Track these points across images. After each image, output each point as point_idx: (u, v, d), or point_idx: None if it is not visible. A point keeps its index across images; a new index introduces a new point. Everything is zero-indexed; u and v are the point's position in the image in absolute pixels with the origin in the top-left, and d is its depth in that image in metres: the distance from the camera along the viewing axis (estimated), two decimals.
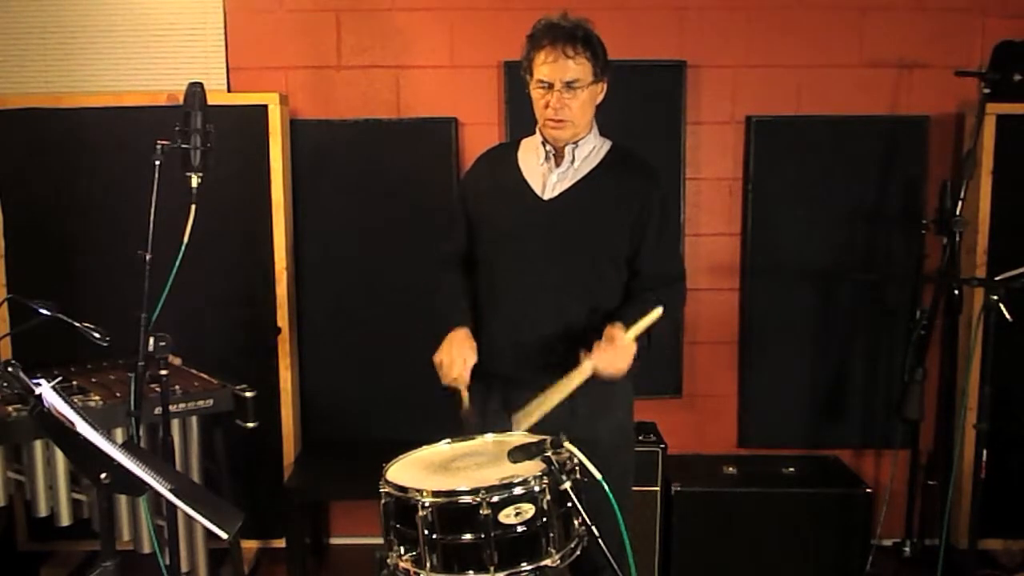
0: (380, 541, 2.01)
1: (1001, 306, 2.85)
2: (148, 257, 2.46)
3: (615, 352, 2.20)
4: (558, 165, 2.38)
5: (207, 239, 2.71)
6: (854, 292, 3.60)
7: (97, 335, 2.49)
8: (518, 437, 2.13)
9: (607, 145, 2.45)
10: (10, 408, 2.63)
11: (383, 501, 1.96)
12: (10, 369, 1.90)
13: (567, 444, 1.87)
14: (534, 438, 2.00)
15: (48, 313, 2.50)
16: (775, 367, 3.64)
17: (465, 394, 2.31)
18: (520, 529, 1.86)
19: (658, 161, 3.49)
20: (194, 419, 2.88)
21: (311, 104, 3.57)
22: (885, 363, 3.62)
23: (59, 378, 2.38)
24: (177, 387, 2.80)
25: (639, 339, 2.25)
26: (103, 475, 1.77)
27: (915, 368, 3.16)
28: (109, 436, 1.80)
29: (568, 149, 2.37)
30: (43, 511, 2.71)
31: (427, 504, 1.86)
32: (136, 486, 1.79)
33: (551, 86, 2.29)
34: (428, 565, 1.88)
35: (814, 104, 3.56)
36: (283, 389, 3.48)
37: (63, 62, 3.55)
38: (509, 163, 2.44)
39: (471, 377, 2.34)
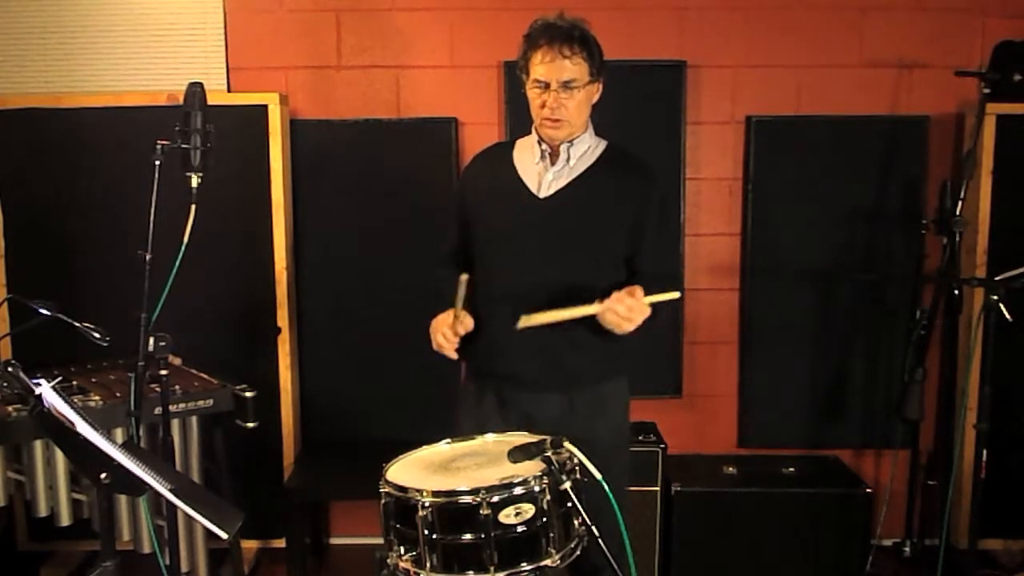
0: (380, 541, 2.01)
1: (1001, 306, 2.85)
2: (148, 257, 2.46)
3: (631, 305, 2.18)
4: (554, 164, 2.39)
5: (207, 239, 2.71)
6: (854, 292, 3.60)
7: (97, 335, 2.49)
8: (518, 437, 2.13)
9: (602, 144, 2.46)
10: (10, 408, 2.63)
11: (383, 501, 1.96)
12: (10, 369, 1.90)
13: (567, 444, 1.87)
14: (534, 438, 2.01)
15: (48, 313, 2.50)
16: (775, 367, 3.64)
17: (458, 326, 2.30)
18: (520, 529, 1.86)
19: (658, 161, 3.51)
20: (194, 419, 2.88)
21: (311, 104, 3.57)
22: (885, 363, 3.62)
23: (59, 378, 2.38)
24: (177, 387, 2.80)
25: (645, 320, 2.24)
26: (103, 475, 1.77)
27: (915, 368, 3.16)
28: (109, 436, 1.80)
29: (564, 148, 2.38)
30: (43, 511, 2.72)
31: (427, 504, 1.86)
32: (136, 486, 1.79)
33: (547, 86, 2.30)
34: (428, 565, 1.88)
35: (814, 104, 3.56)
36: (283, 389, 3.49)
37: (63, 62, 3.55)
38: (505, 162, 2.45)
39: (469, 377, 2.35)
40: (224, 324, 3.47)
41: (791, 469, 3.44)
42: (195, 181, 2.53)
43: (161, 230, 2.47)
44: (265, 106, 3.38)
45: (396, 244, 3.55)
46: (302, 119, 3.55)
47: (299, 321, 3.61)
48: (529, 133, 2.45)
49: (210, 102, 2.56)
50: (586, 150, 2.41)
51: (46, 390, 1.76)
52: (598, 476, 1.85)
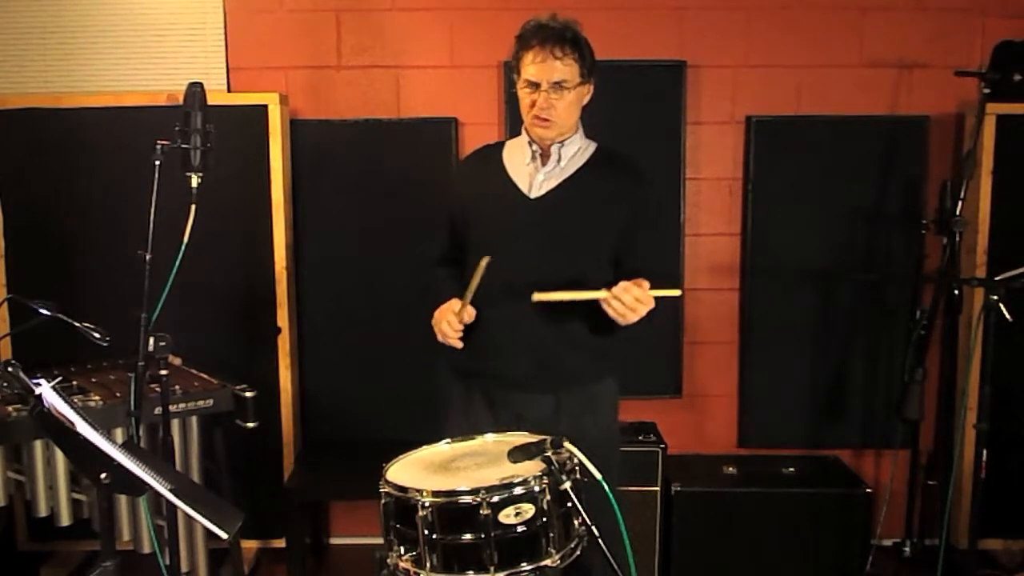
0: (380, 541, 2.01)
1: (1001, 306, 2.85)
2: (148, 257, 2.46)
3: (637, 295, 2.19)
4: (544, 164, 2.39)
5: (207, 239, 2.71)
6: (854, 292, 3.60)
7: (97, 335, 2.49)
8: (518, 437, 2.13)
9: (592, 146, 2.46)
10: (10, 408, 2.63)
11: (383, 501, 1.96)
12: (10, 369, 1.90)
13: (567, 444, 1.87)
14: (534, 438, 2.01)
15: (48, 313, 2.50)
16: (775, 367, 3.64)
17: (463, 315, 2.30)
18: (520, 529, 1.86)
19: (658, 161, 3.53)
20: (194, 419, 2.88)
21: (311, 104, 3.57)
22: (885, 363, 3.62)
23: (59, 378, 2.38)
24: (177, 387, 2.80)
25: (640, 321, 2.25)
26: (103, 475, 1.77)
27: (915, 368, 3.16)
28: (109, 436, 1.80)
29: (554, 148, 2.38)
30: (43, 511, 2.71)
31: (427, 504, 1.86)
32: (136, 486, 1.79)
33: (538, 86, 2.30)
34: (428, 565, 1.88)
35: (814, 104, 3.56)
36: (283, 389, 3.49)
37: (63, 62, 3.55)
38: (495, 163, 2.45)
39: (458, 378, 2.37)
40: (224, 324, 3.47)
41: (791, 469, 3.44)
42: (195, 181, 2.53)
43: (161, 230, 2.47)
44: (265, 106, 3.38)
45: (396, 244, 3.55)
46: (302, 119, 3.55)
47: (299, 321, 3.61)
48: (519, 134, 2.45)
49: (210, 102, 2.56)
50: (576, 151, 2.41)
51: (46, 390, 1.76)
52: (598, 476, 1.85)
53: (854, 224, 3.57)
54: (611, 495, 1.81)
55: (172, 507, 2.51)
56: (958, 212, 3.11)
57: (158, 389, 2.57)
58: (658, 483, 3.25)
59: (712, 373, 3.70)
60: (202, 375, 3.00)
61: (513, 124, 3.47)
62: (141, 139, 2.64)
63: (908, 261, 3.47)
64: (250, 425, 2.88)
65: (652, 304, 2.23)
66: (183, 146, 2.51)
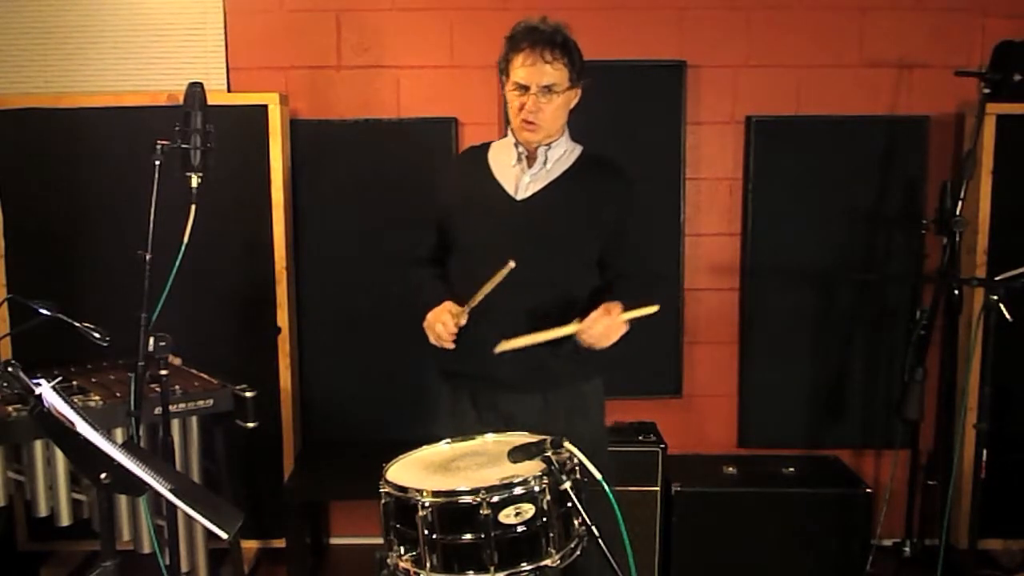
0: (380, 541, 2.01)
1: (1001, 306, 2.85)
2: (148, 257, 2.46)
3: (607, 324, 2.23)
4: (531, 166, 2.39)
5: (207, 239, 2.70)
6: (854, 292, 3.60)
7: (97, 335, 2.49)
8: (518, 437, 2.13)
9: (578, 149, 2.47)
10: (10, 408, 2.62)
11: (383, 501, 1.96)
12: (10, 369, 1.90)
13: (567, 444, 1.87)
14: (534, 438, 2.01)
15: (48, 313, 2.50)
16: (775, 367, 3.64)
17: (460, 319, 2.30)
18: (520, 529, 1.86)
19: (658, 161, 3.53)
20: (194, 419, 2.88)
21: (311, 104, 3.57)
22: (885, 363, 3.62)
23: (59, 378, 2.38)
24: (177, 387, 2.80)
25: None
26: (103, 475, 1.77)
27: (915, 368, 3.16)
28: (109, 436, 1.80)
29: (541, 151, 2.39)
30: (43, 511, 2.71)
31: (427, 504, 1.86)
32: (136, 486, 1.79)
33: (527, 89, 2.30)
34: (428, 565, 1.88)
35: (814, 104, 3.56)
36: (283, 389, 3.48)
37: (63, 62, 3.55)
38: (481, 164, 2.45)
39: (445, 376, 2.39)
40: (224, 324, 3.47)
41: (791, 469, 3.44)
42: (195, 181, 2.53)
43: (161, 230, 2.47)
44: (265, 106, 3.38)
45: (396, 244, 3.54)
46: (302, 119, 3.55)
47: (299, 321, 3.61)
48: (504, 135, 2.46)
49: (210, 102, 2.56)
50: (563, 154, 2.42)
51: (46, 390, 1.76)
52: (598, 476, 1.86)
53: (854, 224, 3.57)
54: (611, 495, 1.81)
55: (172, 507, 2.51)
56: (958, 212, 3.11)
57: (158, 389, 2.57)
58: (658, 483, 3.25)
59: (712, 373, 3.70)
60: (202, 375, 3.00)
61: None
62: (141, 139, 2.64)
63: (908, 261, 3.48)
64: (250, 425, 2.88)
65: (624, 329, 2.26)
66: (183, 146, 2.50)
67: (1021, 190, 3.42)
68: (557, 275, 2.34)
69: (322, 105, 3.57)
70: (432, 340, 2.36)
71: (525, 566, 1.86)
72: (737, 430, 3.72)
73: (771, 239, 3.59)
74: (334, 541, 3.77)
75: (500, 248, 2.31)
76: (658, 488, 3.25)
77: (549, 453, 1.86)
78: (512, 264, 2.18)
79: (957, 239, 3.18)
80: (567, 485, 1.86)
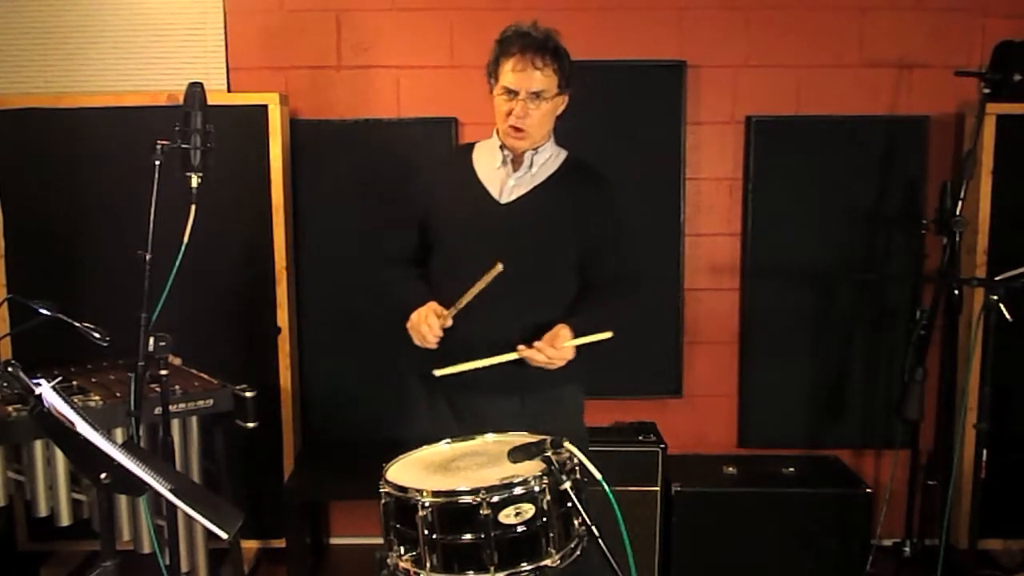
0: (380, 541, 2.01)
1: (1001, 306, 2.85)
2: (148, 257, 2.45)
3: (552, 353, 2.25)
4: (516, 170, 2.39)
5: (207, 239, 2.70)
6: (854, 292, 3.60)
7: (97, 335, 2.49)
8: (518, 437, 2.13)
9: (563, 154, 2.47)
10: (10, 408, 2.62)
11: (383, 501, 1.96)
12: (10, 369, 1.90)
13: (567, 444, 1.87)
14: (534, 438, 2.01)
15: (48, 313, 2.50)
16: (775, 367, 3.64)
17: (446, 321, 2.30)
18: (520, 529, 1.86)
19: (658, 161, 3.53)
20: (194, 419, 2.88)
21: (311, 104, 3.57)
22: (885, 363, 3.62)
23: (59, 378, 2.38)
24: (177, 387, 2.80)
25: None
26: (103, 475, 1.77)
27: (915, 368, 3.16)
28: (109, 436, 1.80)
29: (527, 155, 2.39)
30: (43, 511, 2.71)
31: (427, 504, 1.86)
32: (136, 486, 1.79)
33: (516, 94, 2.30)
34: (428, 565, 1.88)
35: (814, 104, 3.56)
36: (283, 389, 3.48)
37: (63, 62, 3.55)
38: (464, 166, 2.45)
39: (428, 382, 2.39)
40: (224, 324, 3.47)
41: (791, 469, 3.44)
42: (195, 181, 2.53)
43: (161, 230, 2.47)
44: (265, 106, 3.38)
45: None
46: (302, 119, 3.55)
47: (299, 321, 3.61)
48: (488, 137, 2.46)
49: (210, 102, 2.56)
50: (548, 158, 2.42)
51: (46, 390, 1.76)
52: (598, 476, 1.86)
53: (854, 224, 3.57)
54: (611, 495, 1.81)
55: (172, 507, 2.51)
56: (958, 212, 3.11)
57: (158, 389, 2.57)
58: (658, 483, 3.25)
59: (712, 373, 3.69)
60: (202, 375, 3.00)
61: None
62: (141, 139, 2.64)
63: (908, 261, 3.48)
64: (250, 425, 2.88)
65: (570, 355, 2.28)
66: (183, 146, 2.50)
67: (1021, 190, 3.42)
68: (539, 279, 2.35)
69: (322, 105, 3.57)
70: (416, 341, 2.36)
71: (525, 566, 1.86)
72: (737, 430, 3.72)
73: (771, 239, 3.59)
74: (334, 541, 3.77)
75: (483, 251, 2.31)
76: (658, 488, 3.25)
77: (549, 453, 1.86)
78: (500, 267, 2.19)
79: (957, 239, 3.18)
80: (567, 485, 1.86)
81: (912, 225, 3.45)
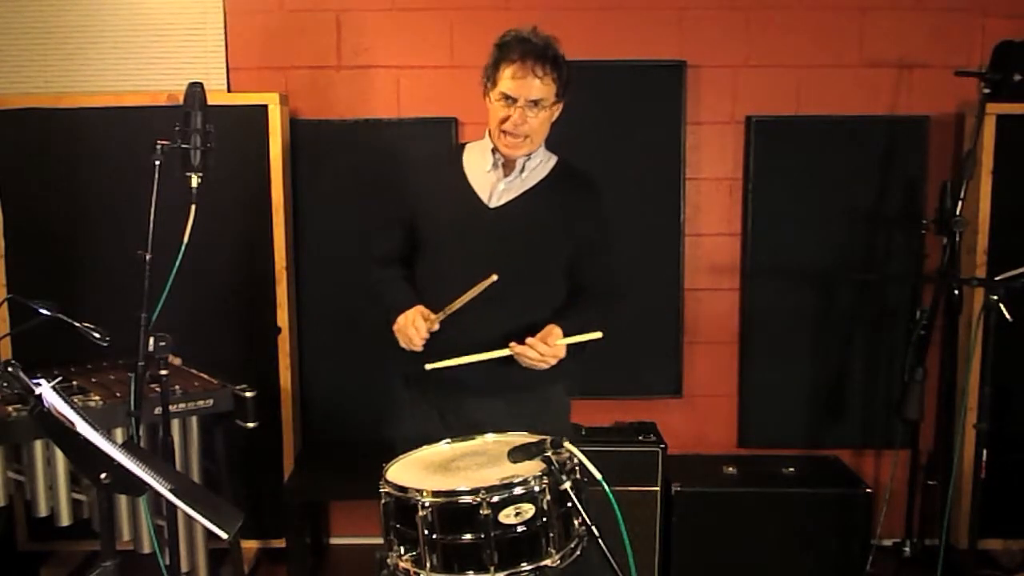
0: (380, 541, 2.01)
1: (1001, 306, 2.85)
2: (148, 257, 2.46)
3: (543, 351, 2.24)
4: (507, 174, 2.39)
5: (207, 239, 2.71)
6: (854, 292, 3.60)
7: (97, 335, 2.49)
8: (518, 437, 2.13)
9: (553, 159, 2.46)
10: (10, 408, 2.62)
11: (383, 501, 1.97)
12: (10, 369, 1.90)
13: (567, 444, 1.87)
14: (534, 438, 2.01)
15: (48, 313, 2.50)
16: (775, 367, 3.64)
17: (432, 325, 2.30)
18: (520, 529, 1.86)
19: (658, 161, 3.53)
20: (194, 419, 2.88)
21: (311, 104, 3.57)
22: (885, 363, 3.62)
23: (59, 378, 2.38)
24: (177, 387, 2.80)
25: (570, 346, 2.28)
26: (103, 475, 1.77)
27: (915, 368, 3.16)
28: (109, 436, 1.80)
29: (519, 160, 2.38)
30: (43, 511, 2.71)
31: (427, 504, 1.87)
32: (136, 486, 1.79)
33: (514, 101, 2.29)
34: (428, 565, 1.88)
35: (814, 104, 3.56)
36: (283, 389, 3.48)
37: (63, 62, 3.55)
38: (454, 167, 2.44)
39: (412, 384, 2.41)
40: (224, 324, 3.47)
41: (791, 469, 3.44)
42: (195, 181, 2.53)
43: (161, 230, 2.47)
44: (265, 106, 3.38)
45: None
46: (302, 119, 3.55)
47: (299, 321, 3.61)
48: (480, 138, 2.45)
49: (210, 102, 2.56)
50: (538, 163, 2.42)
51: (46, 390, 1.76)
52: (598, 476, 1.86)
53: (854, 224, 3.57)
54: (611, 495, 1.81)
55: (172, 507, 2.51)
56: (958, 212, 3.11)
57: (158, 389, 2.57)
58: (658, 483, 3.25)
59: (712, 373, 3.69)
60: (202, 375, 3.00)
61: None
62: (141, 139, 2.64)
63: (908, 261, 3.48)
64: (250, 425, 2.88)
65: (561, 354, 2.27)
66: (183, 146, 2.50)
67: (1021, 190, 3.42)
68: (526, 284, 2.34)
69: (322, 105, 3.57)
70: (402, 344, 2.35)
71: (525, 566, 1.86)
72: (737, 430, 3.72)
73: (771, 239, 3.59)
74: (334, 541, 3.77)
75: (471, 255, 2.32)
76: (658, 488, 3.25)
77: (549, 453, 1.86)
78: (495, 278, 2.18)
79: (957, 239, 3.18)
80: (567, 485, 1.86)
81: (912, 225, 3.46)
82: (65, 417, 1.75)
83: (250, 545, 3.53)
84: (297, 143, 3.53)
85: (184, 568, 2.82)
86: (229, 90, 3.55)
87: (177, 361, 3.04)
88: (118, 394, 2.76)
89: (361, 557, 3.57)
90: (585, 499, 1.89)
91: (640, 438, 3.31)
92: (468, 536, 1.86)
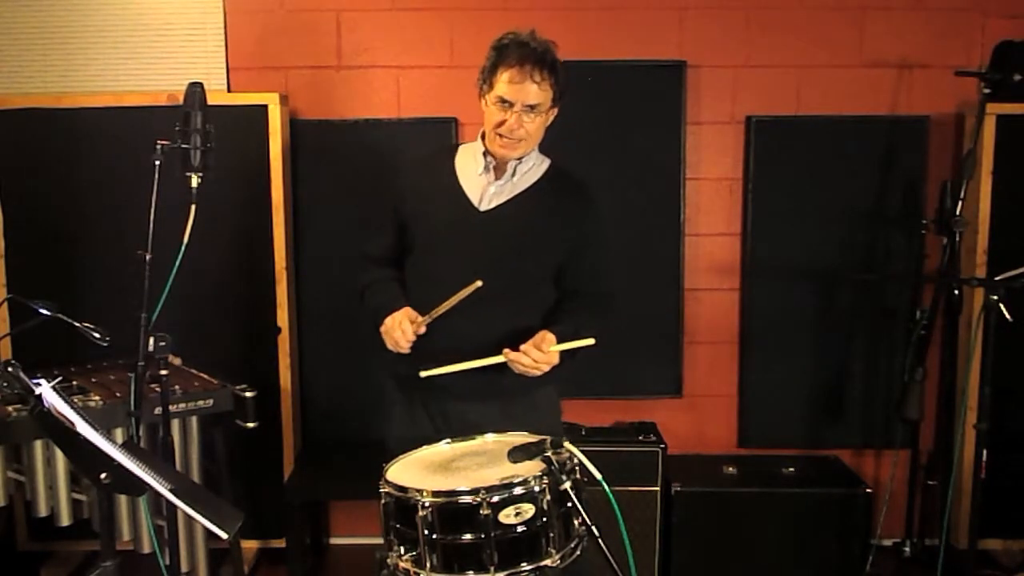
0: (380, 541, 2.01)
1: (1001, 306, 2.85)
2: (148, 257, 2.46)
3: (537, 358, 2.23)
4: (498, 178, 2.38)
5: (207, 239, 2.71)
6: (854, 292, 3.60)
7: (97, 335, 2.49)
8: (518, 437, 2.13)
9: (546, 163, 2.46)
10: (10, 408, 2.62)
11: (383, 501, 1.97)
12: (10, 369, 1.90)
13: (567, 444, 1.87)
14: (534, 438, 2.01)
15: (48, 313, 2.50)
16: (775, 367, 3.64)
17: (419, 328, 2.30)
18: (520, 529, 1.86)
19: (658, 161, 3.53)
20: (194, 419, 2.88)
21: (311, 104, 3.57)
22: (885, 363, 3.62)
23: (59, 378, 2.39)
24: (177, 387, 2.80)
25: (563, 353, 2.27)
26: (103, 475, 1.77)
27: (915, 368, 3.17)
28: (109, 436, 1.80)
29: (511, 164, 2.37)
30: (43, 511, 2.71)
31: (427, 504, 1.87)
32: (136, 486, 1.79)
33: (511, 105, 2.29)
34: (428, 565, 1.88)
35: (814, 104, 3.56)
36: (283, 389, 3.48)
37: (63, 62, 3.55)
38: (445, 169, 2.43)
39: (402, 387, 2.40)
40: (224, 324, 3.47)
41: (791, 469, 3.43)
42: (195, 181, 2.53)
43: (161, 230, 2.47)
44: (265, 106, 3.38)
45: None
46: (302, 119, 3.55)
47: (299, 321, 3.61)
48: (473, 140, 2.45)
49: (210, 102, 2.56)
50: (530, 167, 2.41)
51: (46, 390, 1.76)
52: (598, 476, 1.86)
53: (854, 224, 3.56)
54: (611, 495, 1.81)
55: (172, 507, 2.51)
56: (958, 212, 3.11)
57: (158, 389, 2.57)
58: (658, 483, 3.25)
59: (712, 373, 3.69)
60: (202, 375, 3.00)
61: None
62: (141, 139, 2.65)
63: (908, 261, 3.48)
64: (250, 425, 2.88)
65: (555, 361, 2.27)
66: (183, 146, 2.51)
67: (1021, 190, 3.42)
68: (515, 288, 2.34)
69: (322, 105, 3.57)
70: (389, 346, 2.35)
71: (525, 566, 1.86)
72: (737, 430, 3.72)
73: (771, 239, 3.58)
74: (334, 541, 3.77)
75: (460, 258, 2.31)
76: (658, 488, 3.25)
77: (549, 453, 1.86)
78: (479, 283, 2.18)
79: (957, 239, 3.18)
80: (567, 485, 1.86)
81: (912, 225, 3.46)
82: (65, 417, 1.75)
83: (250, 545, 3.53)
84: (297, 143, 3.53)
85: (184, 568, 2.82)
86: (229, 90, 3.55)
87: (177, 361, 3.05)
88: (118, 394, 2.76)
89: (361, 557, 3.57)
90: (585, 499, 1.89)
91: (640, 438, 3.31)
92: (468, 536, 1.86)
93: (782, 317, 3.61)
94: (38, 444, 2.67)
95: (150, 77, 3.55)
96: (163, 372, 2.52)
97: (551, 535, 1.88)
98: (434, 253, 2.39)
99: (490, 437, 2.21)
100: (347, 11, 3.54)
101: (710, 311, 3.67)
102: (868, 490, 3.31)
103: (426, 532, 1.87)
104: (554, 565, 1.88)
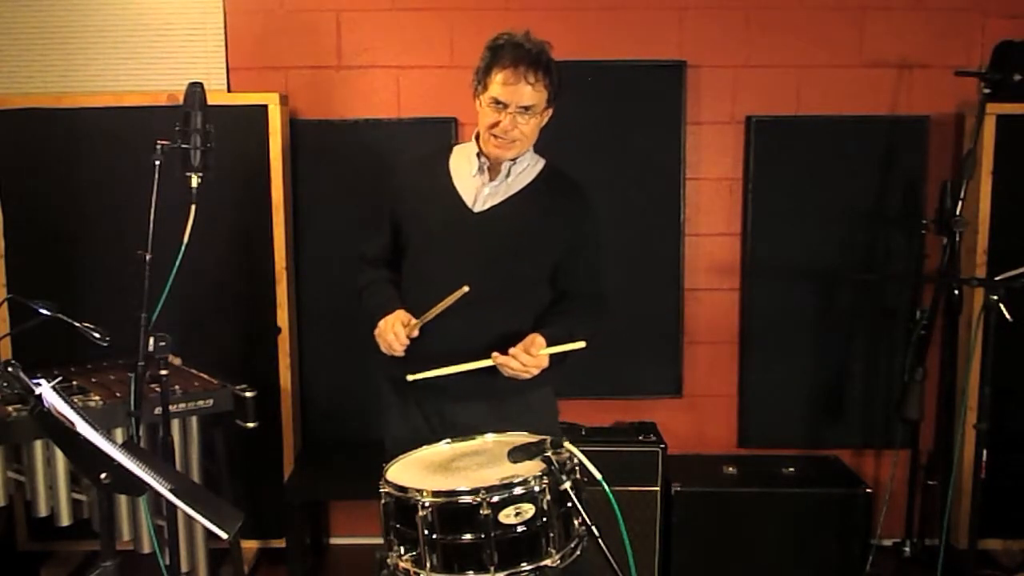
0: (380, 541, 2.01)
1: (1001, 306, 2.85)
2: (148, 257, 2.46)
3: (525, 361, 2.23)
4: (492, 179, 2.38)
5: (207, 239, 2.71)
6: (854, 292, 3.60)
7: (97, 335, 2.49)
8: (518, 437, 2.13)
9: (541, 163, 2.45)
10: (10, 408, 2.62)
11: (383, 501, 1.97)
12: (10, 369, 1.90)
13: (567, 444, 1.87)
14: (534, 438, 2.01)
15: (48, 313, 2.50)
16: (775, 367, 3.64)
17: (412, 331, 2.30)
18: (520, 529, 1.86)
19: (658, 161, 3.53)
20: (194, 419, 2.88)
21: (311, 104, 3.57)
22: (885, 363, 3.62)
23: (59, 378, 2.38)
24: (177, 387, 2.80)
25: (552, 355, 2.27)
26: (103, 475, 1.77)
27: (915, 368, 3.17)
28: (109, 436, 1.80)
29: (505, 164, 2.37)
30: (43, 511, 2.71)
31: (427, 504, 1.87)
32: (136, 486, 1.79)
33: (505, 106, 2.29)
34: (428, 565, 1.88)
35: (814, 104, 3.56)
36: (283, 389, 3.48)
37: (63, 62, 3.55)
38: (440, 170, 2.43)
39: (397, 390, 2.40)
40: (224, 324, 3.47)
41: (791, 469, 3.43)
42: (195, 181, 2.53)
43: (161, 230, 2.47)
44: (265, 106, 3.38)
45: None
46: (302, 119, 3.55)
47: (299, 321, 3.61)
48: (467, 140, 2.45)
49: (210, 102, 2.56)
50: (525, 168, 2.41)
51: (46, 390, 1.76)
52: (598, 476, 1.86)
53: (854, 224, 3.56)
54: (611, 495, 1.81)
55: (172, 507, 2.51)
56: (958, 212, 3.11)
57: (158, 389, 2.57)
58: (658, 483, 3.25)
59: (712, 373, 3.69)
60: (202, 375, 3.00)
61: None
62: (141, 139, 2.65)
63: (908, 261, 3.48)
64: (250, 425, 2.88)
65: (544, 364, 2.26)
66: (183, 146, 2.51)
67: (1021, 190, 3.42)
68: (509, 290, 2.34)
69: (322, 105, 3.57)
70: (383, 348, 2.35)
71: (525, 566, 1.86)
72: (737, 430, 3.72)
73: (771, 239, 3.58)
74: (334, 541, 3.77)
75: (454, 259, 2.31)
76: (658, 488, 3.25)
77: (549, 453, 1.86)
78: (466, 289, 2.17)
79: (957, 239, 3.18)
80: (567, 485, 1.86)
81: (912, 225, 3.46)
82: (65, 417, 1.75)
83: (250, 545, 3.53)
84: (297, 143, 3.53)
85: (184, 568, 2.82)
86: (229, 90, 3.55)
87: (177, 361, 3.05)
88: (118, 394, 2.76)
89: (361, 557, 3.57)
90: (585, 499, 1.89)
91: (640, 438, 3.31)
92: (468, 536, 1.86)
93: (782, 317, 3.61)
94: (38, 444, 2.67)
95: (150, 77, 3.55)
96: (163, 372, 2.52)
97: (551, 535, 1.88)
98: (429, 254, 2.39)
99: (490, 437, 2.21)
100: (347, 11, 3.54)
101: (710, 311, 3.67)
102: (868, 490, 3.31)
103: (426, 532, 1.87)
104: (554, 565, 1.88)
